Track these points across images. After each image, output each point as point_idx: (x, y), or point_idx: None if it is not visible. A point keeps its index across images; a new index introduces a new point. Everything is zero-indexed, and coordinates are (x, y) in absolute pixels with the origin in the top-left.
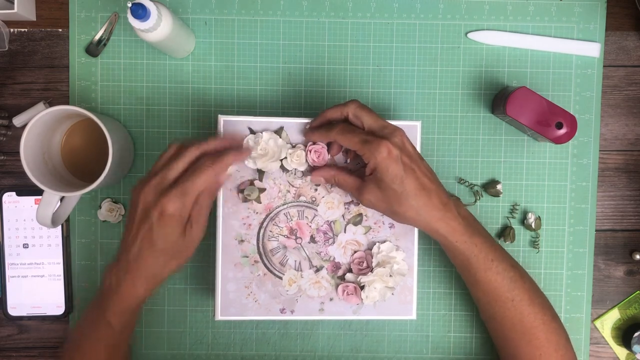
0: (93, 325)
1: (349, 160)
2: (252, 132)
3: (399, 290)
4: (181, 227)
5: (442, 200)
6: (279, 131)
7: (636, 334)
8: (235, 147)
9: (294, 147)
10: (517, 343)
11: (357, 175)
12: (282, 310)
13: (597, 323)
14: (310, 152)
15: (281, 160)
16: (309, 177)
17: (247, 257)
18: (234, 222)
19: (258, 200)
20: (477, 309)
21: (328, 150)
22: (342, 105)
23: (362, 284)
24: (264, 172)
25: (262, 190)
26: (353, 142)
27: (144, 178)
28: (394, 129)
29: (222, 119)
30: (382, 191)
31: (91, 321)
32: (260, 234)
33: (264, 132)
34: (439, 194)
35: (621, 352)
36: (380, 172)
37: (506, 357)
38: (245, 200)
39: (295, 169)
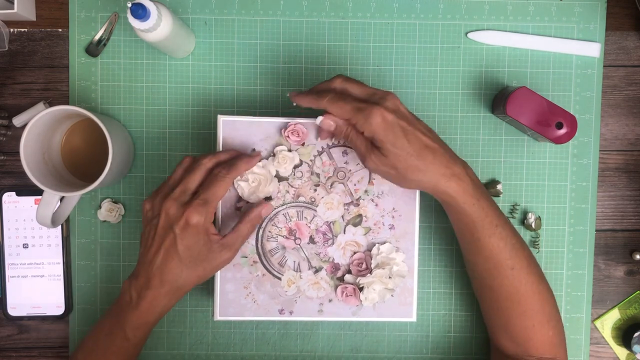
0: (109, 337)
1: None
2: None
3: (399, 291)
4: (205, 236)
5: (449, 158)
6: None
7: (636, 334)
8: (248, 155)
9: (274, 155)
10: (510, 313)
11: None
12: (281, 311)
13: (597, 323)
14: (289, 135)
15: (276, 176)
16: (307, 177)
17: (246, 257)
18: (233, 222)
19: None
20: (473, 281)
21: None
22: (328, 80)
23: (361, 286)
24: (270, 196)
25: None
26: (345, 110)
27: (160, 191)
28: (384, 93)
29: (222, 119)
30: (385, 156)
31: (108, 332)
32: (259, 235)
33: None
34: (444, 152)
35: (621, 352)
36: (378, 138)
37: (497, 330)
38: None
39: (294, 169)
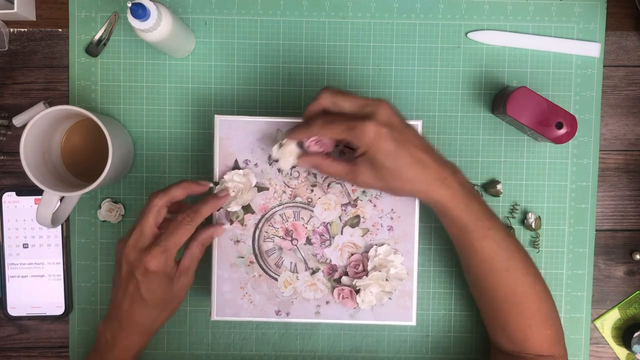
0: None
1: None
2: (237, 166)
3: (398, 294)
4: (167, 280)
5: (439, 168)
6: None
7: (636, 334)
8: (214, 196)
9: (281, 145)
10: (508, 314)
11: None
12: (278, 312)
13: (597, 323)
14: (310, 145)
15: (255, 186)
16: (303, 177)
17: (243, 257)
18: (229, 222)
19: (242, 222)
20: (469, 283)
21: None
22: (315, 98)
23: (357, 288)
24: (249, 205)
25: (248, 211)
26: (337, 132)
27: (126, 235)
28: (375, 104)
29: (219, 118)
30: (377, 170)
31: None
32: (256, 235)
33: (224, 176)
34: (434, 162)
35: (621, 352)
36: (371, 153)
37: (495, 330)
38: (231, 222)
39: (291, 169)
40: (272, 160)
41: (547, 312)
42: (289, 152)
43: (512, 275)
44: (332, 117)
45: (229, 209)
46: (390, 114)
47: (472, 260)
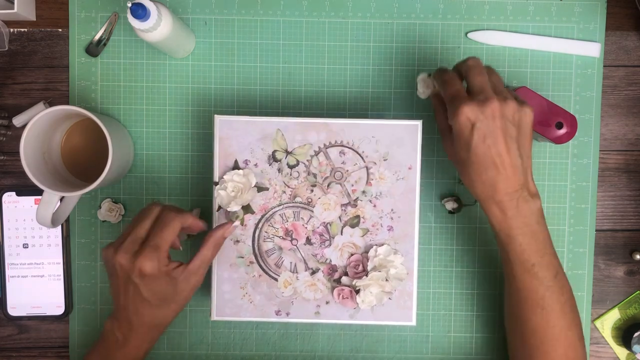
0: None
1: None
2: (237, 167)
3: (398, 295)
4: (166, 278)
5: (508, 184)
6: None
7: (636, 334)
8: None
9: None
10: (534, 351)
11: None
12: (278, 312)
13: (597, 323)
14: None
15: (255, 186)
16: (303, 177)
17: (243, 257)
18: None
19: (242, 222)
20: (505, 307)
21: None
22: (461, 61)
23: (357, 288)
24: (249, 205)
25: (248, 211)
26: (444, 94)
27: (115, 242)
28: (487, 98)
29: (218, 118)
30: (454, 149)
31: None
32: (256, 235)
33: (224, 176)
34: (508, 178)
35: (621, 352)
36: (455, 132)
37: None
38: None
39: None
40: (272, 160)
41: (573, 358)
42: (427, 85)
43: (545, 314)
44: (453, 78)
45: (228, 209)
46: (503, 111)
47: (510, 287)
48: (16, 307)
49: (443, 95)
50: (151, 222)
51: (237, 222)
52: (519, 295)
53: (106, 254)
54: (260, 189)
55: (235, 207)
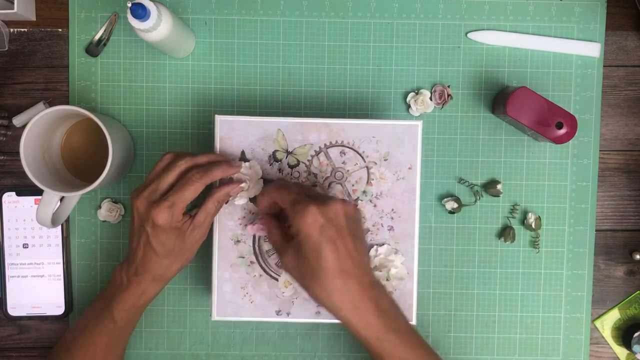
0: (97, 319)
1: None
2: (244, 158)
3: (398, 294)
4: (176, 233)
5: (361, 288)
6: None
7: (636, 334)
8: (227, 162)
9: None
10: None
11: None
12: (278, 312)
13: (597, 323)
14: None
15: (261, 177)
16: (304, 177)
17: (243, 257)
18: (230, 222)
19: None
20: None
21: (258, 203)
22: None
23: None
24: (255, 197)
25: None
26: (284, 200)
27: (140, 186)
28: (331, 199)
29: (219, 118)
30: (299, 260)
31: (96, 314)
32: (257, 235)
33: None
34: (359, 281)
35: (621, 352)
36: (300, 238)
37: None
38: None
39: (291, 169)
40: (272, 160)
41: None
42: (420, 102)
43: None
44: (289, 185)
45: (236, 202)
46: (342, 212)
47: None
48: (16, 307)
49: (281, 202)
50: (175, 178)
51: (243, 184)
52: None
53: (132, 195)
54: (266, 180)
55: (242, 200)
